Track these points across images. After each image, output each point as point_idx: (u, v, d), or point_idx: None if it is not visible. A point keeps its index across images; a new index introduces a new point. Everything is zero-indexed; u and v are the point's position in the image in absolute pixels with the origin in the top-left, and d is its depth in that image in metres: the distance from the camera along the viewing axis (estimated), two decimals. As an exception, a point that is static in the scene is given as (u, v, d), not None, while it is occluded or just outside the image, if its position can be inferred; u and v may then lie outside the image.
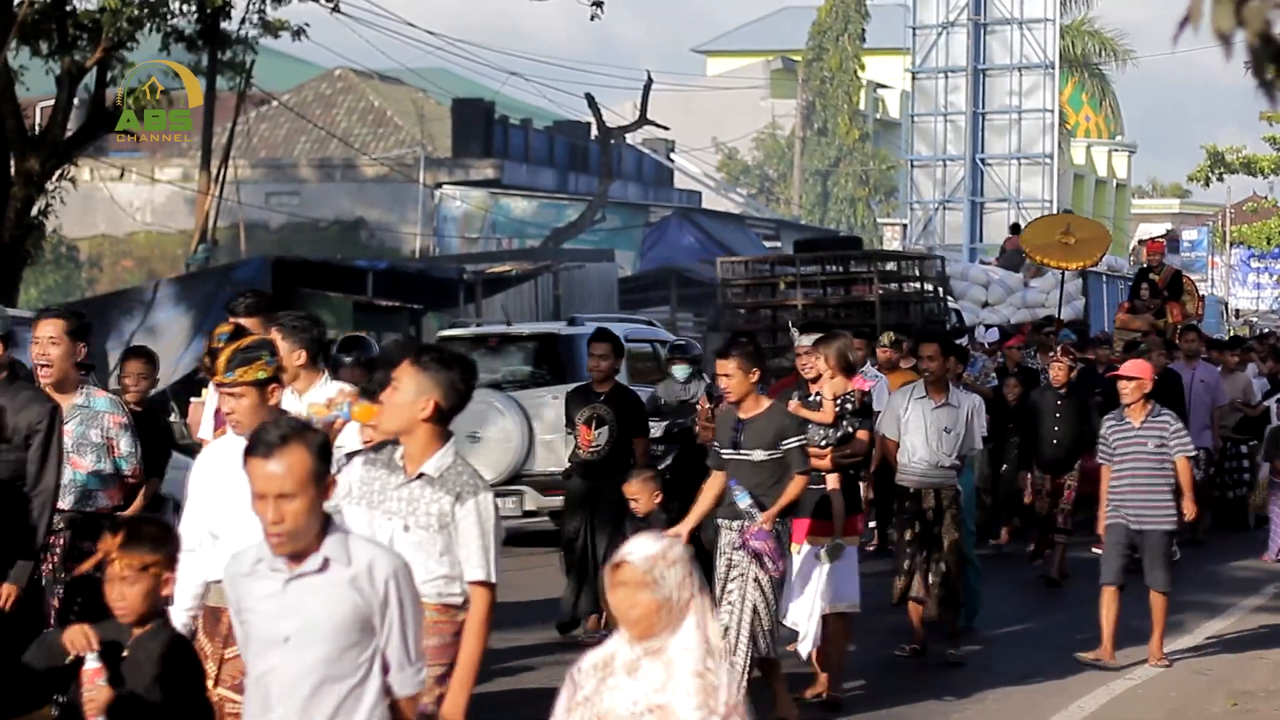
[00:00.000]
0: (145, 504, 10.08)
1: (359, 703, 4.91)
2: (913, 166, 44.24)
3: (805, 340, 11.00)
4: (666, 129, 43.49)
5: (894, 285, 21.25)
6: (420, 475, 6.20)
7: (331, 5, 25.31)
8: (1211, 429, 18.70)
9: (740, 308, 20.98)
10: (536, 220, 41.61)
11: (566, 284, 30.16)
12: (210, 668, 6.43)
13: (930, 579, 11.69)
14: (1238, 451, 19.49)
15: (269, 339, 6.92)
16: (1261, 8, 3.25)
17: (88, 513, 8.83)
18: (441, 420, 6.25)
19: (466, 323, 21.62)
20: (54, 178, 20.70)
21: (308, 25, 27.90)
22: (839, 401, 10.50)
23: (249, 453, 4.91)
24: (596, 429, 12.25)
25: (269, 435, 4.89)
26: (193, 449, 9.58)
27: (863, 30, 65.38)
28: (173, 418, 16.12)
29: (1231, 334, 34.72)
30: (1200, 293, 26.03)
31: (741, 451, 9.52)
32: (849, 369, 10.61)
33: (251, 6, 26.91)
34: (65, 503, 8.73)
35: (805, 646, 10.41)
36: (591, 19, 23.51)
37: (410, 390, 6.21)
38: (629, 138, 44.57)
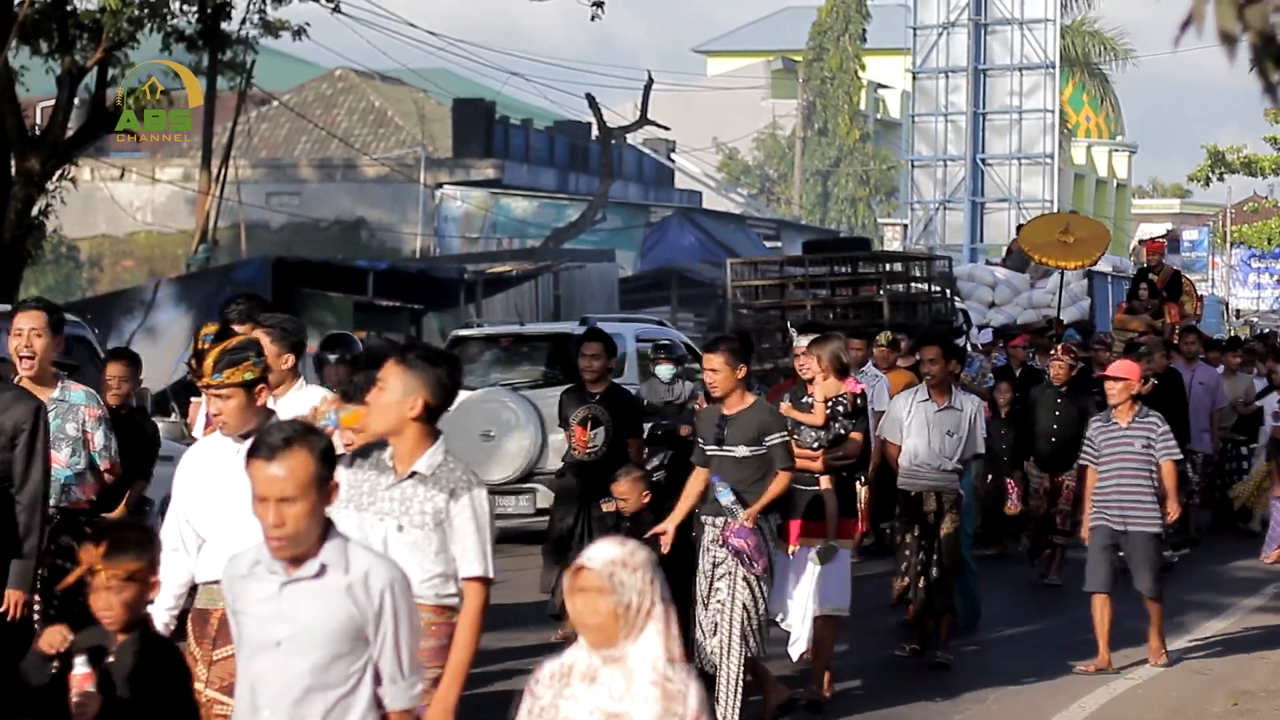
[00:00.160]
0: (130, 506, 10.06)
1: (347, 713, 4.85)
2: (913, 167, 44.27)
3: (803, 341, 11.00)
4: (667, 129, 43.50)
5: (902, 286, 21.34)
6: (413, 474, 6.15)
7: (332, 5, 25.32)
8: (1211, 431, 18.70)
9: (748, 309, 21.05)
10: (537, 220, 41.62)
11: (567, 284, 30.18)
12: (199, 670, 6.41)
13: (926, 581, 11.65)
14: (1238, 453, 19.46)
15: (255, 339, 6.85)
16: (1264, 8, 3.25)
17: (64, 508, 8.80)
18: (430, 418, 6.19)
19: (480, 323, 21.63)
20: (54, 177, 20.70)
21: (308, 25, 27.94)
22: (830, 403, 10.49)
23: (252, 454, 4.86)
24: (592, 430, 12.20)
25: (272, 438, 4.84)
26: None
27: (863, 30, 65.41)
28: (173, 417, 16.08)
29: (1231, 334, 34.71)
30: (1199, 293, 26.03)
31: (725, 448, 9.50)
32: (842, 371, 10.59)
33: (252, 6, 26.93)
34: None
35: (797, 648, 10.40)
36: (592, 19, 23.52)
37: (397, 390, 6.15)
38: (630, 138, 44.58)
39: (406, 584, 4.94)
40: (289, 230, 42.19)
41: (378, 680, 4.87)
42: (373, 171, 43.75)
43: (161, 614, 6.51)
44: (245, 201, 35.21)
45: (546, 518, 16.85)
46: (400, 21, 37.38)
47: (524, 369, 17.72)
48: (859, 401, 10.59)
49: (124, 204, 42.24)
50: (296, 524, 4.78)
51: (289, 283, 23.66)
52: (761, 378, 18.00)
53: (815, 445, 10.42)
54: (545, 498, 16.48)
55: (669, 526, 9.62)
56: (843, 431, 10.48)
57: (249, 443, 5.01)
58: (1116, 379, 11.88)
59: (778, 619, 10.49)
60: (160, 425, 12.80)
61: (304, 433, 4.88)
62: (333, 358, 11.23)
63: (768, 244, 43.79)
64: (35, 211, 20.41)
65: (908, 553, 11.67)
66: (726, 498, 9.38)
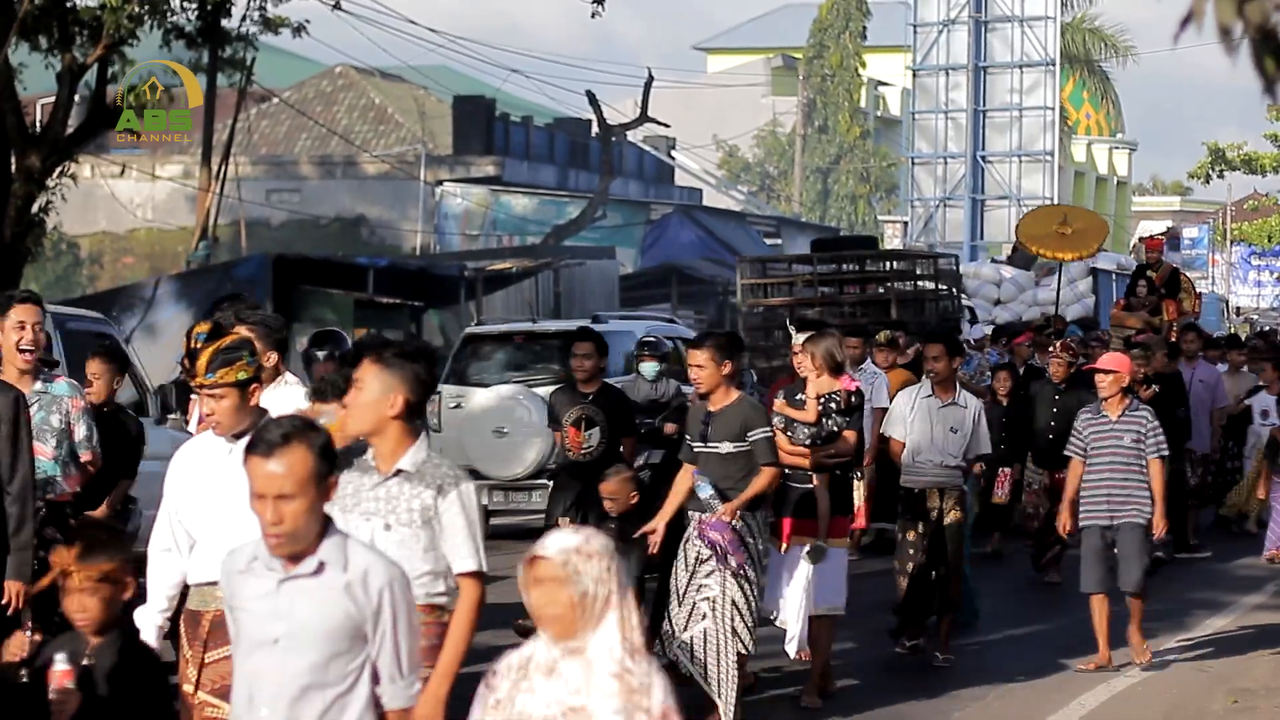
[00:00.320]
0: (114, 505, 9.98)
1: (344, 712, 4.80)
2: (913, 164, 44.25)
3: (800, 338, 10.98)
4: (667, 126, 43.50)
5: (909, 284, 21.49)
6: (398, 472, 6.11)
7: (332, 3, 25.29)
8: (1212, 430, 18.67)
9: (758, 306, 21.17)
10: (537, 217, 41.60)
11: (567, 281, 30.19)
12: (190, 672, 6.35)
13: (926, 579, 11.62)
14: (1239, 452, 19.43)
15: (249, 338, 6.82)
16: (1263, 4, 3.24)
17: (50, 500, 8.76)
18: (411, 415, 6.15)
19: (484, 320, 21.64)
20: (55, 174, 20.67)
21: (308, 22, 27.96)
22: (822, 400, 10.47)
23: (249, 450, 4.82)
24: (586, 430, 12.13)
25: (270, 434, 4.79)
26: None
27: (864, 27, 65.36)
28: (174, 415, 16.07)
29: (1231, 332, 34.71)
30: (1197, 291, 26.06)
31: (709, 444, 9.48)
32: (836, 368, 10.56)
33: (252, 4, 26.94)
34: None
35: (793, 647, 10.37)
36: (592, 16, 23.44)
37: (376, 389, 6.10)
38: (630, 135, 44.56)
39: (406, 582, 4.90)
40: (289, 227, 42.18)
41: (375, 679, 4.83)
42: (373, 168, 43.74)
43: (155, 616, 6.46)
44: (245, 198, 35.20)
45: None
46: (400, 18, 37.31)
47: (536, 366, 17.74)
48: (852, 399, 10.54)
49: (124, 201, 42.22)
50: (295, 521, 4.75)
51: (289, 280, 23.66)
52: (771, 375, 18.04)
53: (807, 442, 10.41)
54: None
55: (659, 524, 9.60)
56: (835, 429, 10.45)
57: (242, 442, 4.98)
58: (1106, 372, 11.76)
59: (771, 617, 10.49)
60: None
61: (303, 428, 4.83)
62: (321, 355, 11.19)
63: (768, 241, 43.79)
64: (35, 208, 20.38)
65: (911, 550, 11.64)
66: (705, 491, 9.37)
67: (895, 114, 67.78)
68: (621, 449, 12.17)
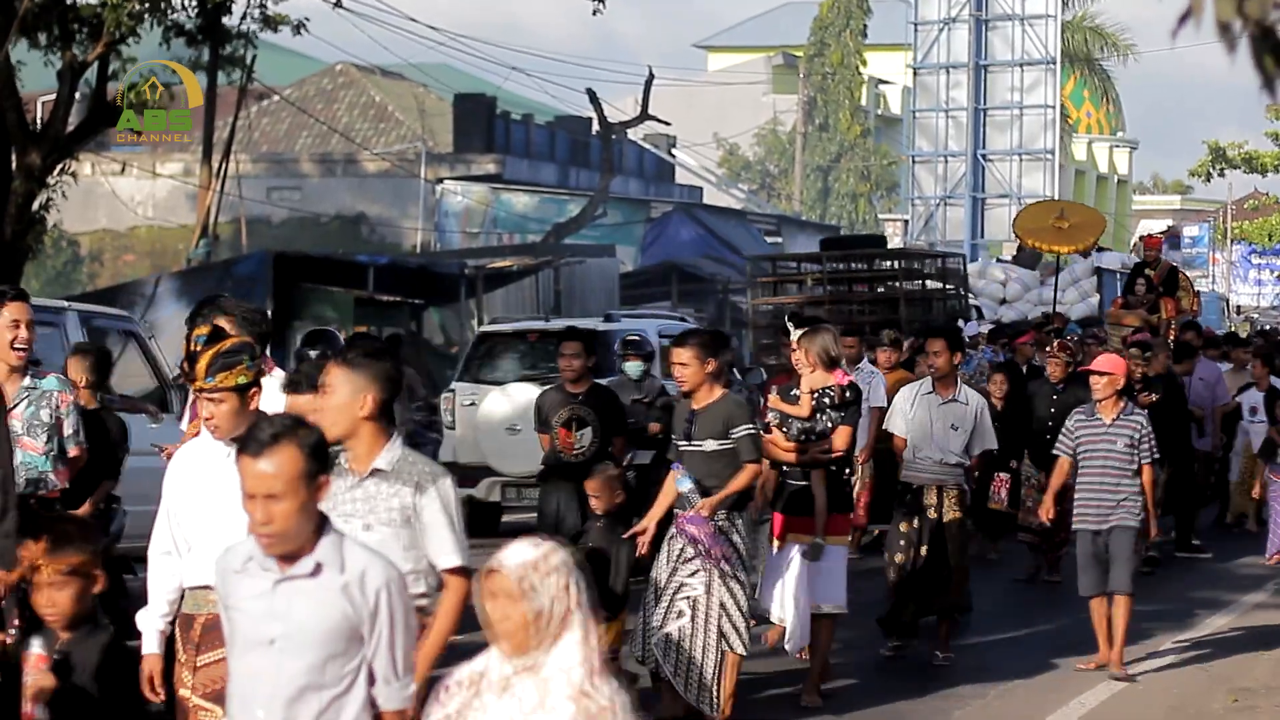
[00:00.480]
0: (97, 505, 9.93)
1: (340, 714, 4.77)
2: (914, 162, 44.29)
3: (797, 334, 10.96)
4: (668, 124, 43.48)
5: (917, 283, 21.65)
6: (374, 472, 6.07)
7: (333, 0, 25.29)
8: (1213, 428, 18.66)
9: (767, 305, 21.28)
10: (538, 215, 41.58)
11: (567, 279, 30.17)
12: (184, 675, 6.30)
13: (916, 577, 11.55)
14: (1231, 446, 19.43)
15: (249, 342, 6.73)
16: (1263, 1, 3.23)
17: (41, 496, 8.73)
18: (383, 414, 6.11)
19: (508, 318, 21.68)
20: (55, 172, 20.66)
21: (307, 20, 27.94)
22: (816, 395, 10.45)
23: (240, 450, 4.79)
24: (578, 430, 12.09)
25: (261, 433, 4.76)
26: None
27: (864, 26, 65.33)
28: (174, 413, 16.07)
29: (1231, 330, 34.72)
30: (1196, 289, 26.08)
31: (693, 442, 9.46)
32: (830, 363, 10.54)
33: (252, 2, 26.92)
34: (20, 486, 8.63)
35: (793, 645, 10.35)
36: (593, 14, 23.44)
37: (345, 391, 6.06)
38: (630, 133, 44.52)
39: (403, 583, 4.86)
40: (290, 225, 42.16)
41: (371, 680, 4.80)
42: (373, 166, 43.72)
43: (156, 619, 6.42)
44: (246, 196, 35.17)
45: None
46: (401, 16, 37.49)
47: (549, 364, 17.76)
48: (847, 394, 10.47)
49: (125, 198, 42.21)
50: (284, 522, 4.71)
51: (290, 277, 23.66)
52: (781, 372, 18.06)
53: (802, 438, 10.39)
54: None
55: (649, 524, 9.56)
56: (830, 424, 10.43)
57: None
58: (1101, 374, 11.60)
59: (767, 615, 10.48)
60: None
61: (293, 428, 4.78)
62: (313, 354, 11.16)
63: (768, 239, 43.77)
64: (36, 206, 20.38)
65: (902, 542, 11.59)
66: (685, 485, 9.35)
67: (896, 112, 67.77)
68: (611, 449, 12.13)
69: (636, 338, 14.67)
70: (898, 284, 21.60)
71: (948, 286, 22.14)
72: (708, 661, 9.31)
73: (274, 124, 47.42)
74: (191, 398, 8.33)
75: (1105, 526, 11.43)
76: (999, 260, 32.14)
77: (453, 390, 17.86)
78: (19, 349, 8.66)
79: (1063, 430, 11.82)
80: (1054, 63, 41.89)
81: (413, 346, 24.19)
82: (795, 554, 10.29)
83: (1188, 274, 27.36)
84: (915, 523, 11.56)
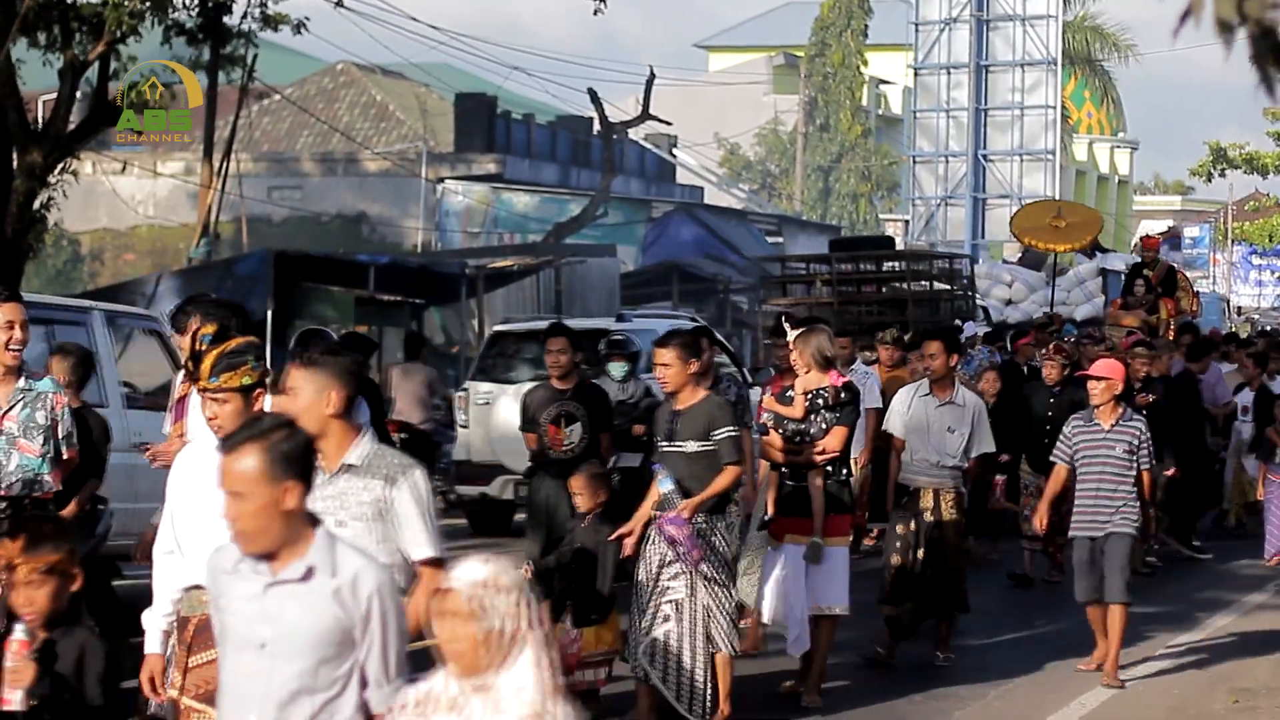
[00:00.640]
0: (83, 505, 9.89)
1: (333, 718, 4.75)
2: (915, 162, 44.28)
3: (793, 335, 10.96)
4: (669, 124, 43.46)
5: (925, 284, 21.82)
6: (345, 468, 6.06)
7: (334, 0, 25.29)
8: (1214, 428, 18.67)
9: (776, 306, 21.40)
10: (538, 215, 41.58)
11: (568, 279, 30.17)
12: (175, 676, 6.27)
13: (912, 579, 11.53)
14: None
15: (255, 341, 6.68)
16: (1262, 1, 3.23)
17: (36, 498, 8.73)
18: (349, 410, 6.10)
19: (519, 318, 21.71)
20: (56, 171, 20.67)
21: (308, 19, 27.93)
22: (810, 396, 10.44)
23: (219, 445, 4.85)
24: (567, 426, 12.06)
25: (238, 432, 4.79)
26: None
27: (865, 26, 65.32)
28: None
29: (1231, 331, 34.71)
30: (1195, 290, 26.09)
31: (675, 443, 9.45)
32: (825, 364, 10.53)
33: (252, 1, 26.92)
34: (15, 489, 8.64)
35: (798, 647, 10.33)
36: (595, 14, 23.46)
37: (309, 392, 6.04)
38: (631, 133, 44.50)
39: (395, 586, 4.85)
40: (290, 224, 42.16)
41: (364, 684, 4.77)
42: (374, 166, 43.72)
43: (160, 620, 6.39)
44: (247, 195, 35.16)
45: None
46: (402, 15, 37.49)
47: None
48: (842, 395, 10.44)
49: (125, 197, 42.22)
50: (245, 521, 4.70)
51: (290, 277, 23.66)
52: (779, 373, 18.06)
53: (797, 439, 10.39)
54: None
55: (634, 527, 9.53)
56: (824, 426, 10.41)
57: None
58: (1099, 379, 11.43)
59: (764, 618, 10.47)
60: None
61: (269, 429, 4.76)
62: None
63: (769, 240, 43.79)
64: (37, 205, 20.39)
65: (898, 544, 11.56)
66: (666, 486, 9.33)
67: (897, 112, 67.76)
68: (601, 444, 12.09)
69: (621, 337, 14.54)
70: (905, 285, 21.74)
71: (954, 288, 22.31)
72: (696, 665, 9.30)
73: (275, 123, 47.43)
74: (175, 399, 8.32)
75: (1102, 533, 11.29)
76: (1005, 261, 32.19)
77: (466, 389, 17.94)
78: (13, 350, 8.65)
79: (1060, 436, 11.66)
80: (1055, 63, 41.89)
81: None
82: (793, 555, 10.27)
83: (1187, 274, 27.39)
84: (913, 525, 11.53)
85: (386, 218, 42.56)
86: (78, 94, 21.48)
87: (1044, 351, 16.40)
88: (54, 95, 21.76)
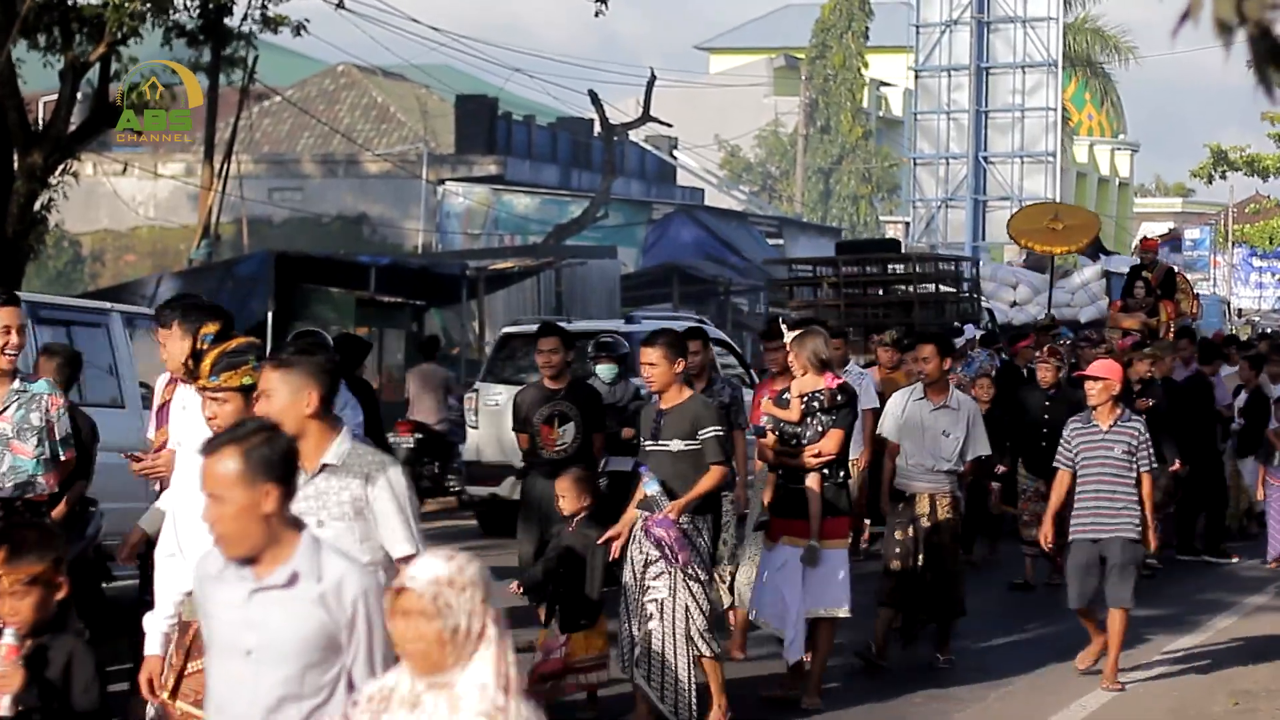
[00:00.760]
0: (72, 505, 9.85)
1: None
2: (915, 164, 44.31)
3: (789, 337, 10.94)
4: (669, 126, 43.44)
5: (931, 286, 21.94)
6: (324, 467, 6.03)
7: (335, 1, 25.30)
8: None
9: (784, 307, 21.52)
10: (539, 217, 41.57)
11: (569, 281, 30.17)
12: (169, 681, 6.26)
13: (912, 585, 11.51)
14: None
15: (256, 342, 6.62)
16: (1261, 1, 3.23)
17: (29, 500, 8.70)
18: (327, 409, 6.07)
19: (529, 319, 21.72)
20: (57, 172, 20.68)
21: (308, 21, 27.93)
22: (805, 399, 10.43)
23: (200, 449, 4.82)
24: (560, 426, 12.02)
25: (219, 435, 4.78)
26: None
27: (866, 28, 65.31)
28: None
29: (1232, 333, 34.71)
30: (1195, 292, 26.08)
31: (660, 442, 9.44)
32: (821, 366, 10.51)
33: (253, 2, 26.93)
34: (7, 490, 8.62)
35: (795, 651, 10.32)
36: (595, 15, 23.45)
37: (285, 393, 5.99)
38: (632, 134, 44.50)
39: (380, 591, 4.77)
40: (291, 225, 42.15)
41: (351, 688, 4.73)
42: (375, 167, 43.71)
43: (161, 622, 6.38)
44: (247, 197, 35.16)
45: None
46: (403, 17, 37.37)
47: (572, 365, 17.75)
48: (838, 397, 10.41)
49: (126, 199, 42.21)
50: (224, 524, 4.67)
51: (291, 278, 23.64)
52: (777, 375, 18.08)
53: (793, 442, 10.38)
54: None
55: (621, 529, 9.51)
56: (820, 428, 10.40)
57: None
58: (1096, 379, 11.34)
59: (759, 621, 10.46)
60: None
61: (250, 433, 4.73)
62: None
63: (770, 242, 43.77)
64: (38, 206, 20.39)
65: (896, 549, 11.54)
66: (652, 487, 9.31)
67: (897, 114, 67.77)
68: (593, 444, 12.06)
69: (609, 339, 14.45)
70: (911, 288, 21.84)
71: (960, 290, 22.43)
72: (680, 665, 9.28)
73: (275, 124, 47.42)
74: (156, 405, 8.29)
75: (1104, 537, 11.19)
76: (1009, 264, 32.24)
77: (476, 390, 17.98)
78: (9, 354, 8.64)
79: (1061, 441, 11.55)
80: (1055, 65, 41.92)
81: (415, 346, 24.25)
82: (790, 558, 10.25)
83: (1188, 276, 27.39)
84: (910, 531, 11.49)
85: (387, 219, 42.57)
86: (78, 95, 21.48)
87: (1038, 354, 16.35)
88: (54, 96, 21.77)
